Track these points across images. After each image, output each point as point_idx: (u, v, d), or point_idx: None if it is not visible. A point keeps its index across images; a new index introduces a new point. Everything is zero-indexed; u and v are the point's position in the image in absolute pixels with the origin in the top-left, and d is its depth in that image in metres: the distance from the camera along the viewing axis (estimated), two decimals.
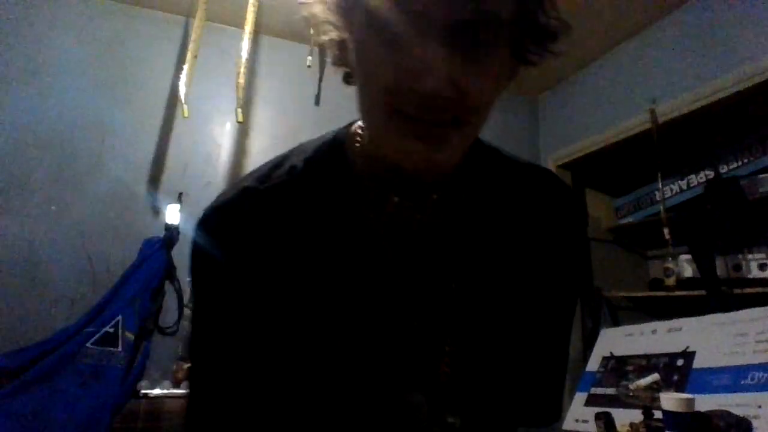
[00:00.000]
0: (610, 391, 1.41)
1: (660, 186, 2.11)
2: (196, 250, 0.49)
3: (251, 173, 0.51)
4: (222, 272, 0.47)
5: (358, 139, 0.50)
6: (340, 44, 0.46)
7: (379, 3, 0.37)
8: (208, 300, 0.48)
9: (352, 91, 0.52)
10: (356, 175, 0.49)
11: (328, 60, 0.49)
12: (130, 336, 1.69)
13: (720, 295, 1.83)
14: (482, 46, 0.38)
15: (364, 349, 0.47)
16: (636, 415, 1.17)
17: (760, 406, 1.03)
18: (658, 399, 1.06)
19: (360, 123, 0.51)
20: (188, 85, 1.81)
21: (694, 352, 1.29)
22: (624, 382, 1.39)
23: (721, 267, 1.91)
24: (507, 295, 0.51)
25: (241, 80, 1.89)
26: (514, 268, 0.51)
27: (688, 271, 2.13)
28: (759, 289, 1.77)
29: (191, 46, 1.83)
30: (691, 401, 0.97)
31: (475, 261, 0.50)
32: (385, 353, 0.47)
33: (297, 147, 0.54)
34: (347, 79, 0.49)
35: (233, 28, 2.12)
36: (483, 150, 0.54)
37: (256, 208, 0.47)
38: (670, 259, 2.14)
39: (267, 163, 0.52)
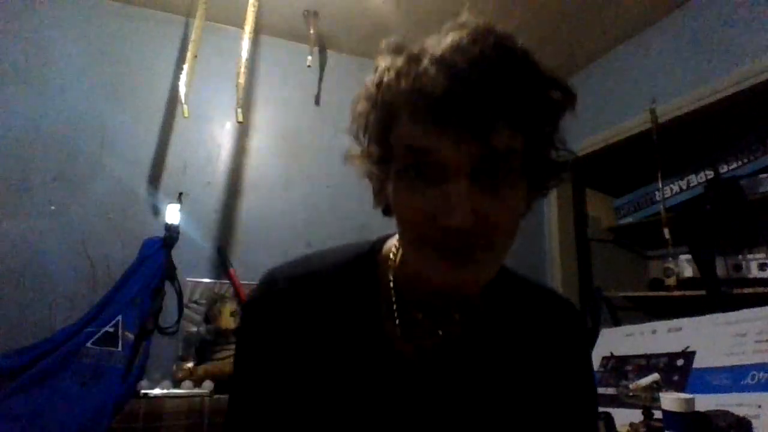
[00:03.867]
0: (610, 391, 1.41)
1: (660, 186, 2.11)
2: (240, 335, 0.57)
3: (290, 267, 0.57)
4: (258, 363, 0.54)
5: (392, 256, 0.56)
6: (380, 185, 0.53)
7: (409, 159, 0.44)
8: (244, 380, 0.55)
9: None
10: (384, 290, 0.55)
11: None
12: (130, 336, 1.69)
13: (720, 295, 1.83)
14: (500, 180, 0.44)
15: None
16: (636, 415, 1.17)
17: (760, 406, 1.03)
18: (658, 399, 1.07)
19: (395, 241, 0.57)
20: (188, 85, 1.80)
21: (694, 352, 1.29)
22: (624, 382, 1.39)
23: (721, 267, 1.91)
24: (518, 416, 0.55)
25: (241, 80, 1.89)
26: (528, 390, 0.56)
27: (688, 271, 2.13)
28: (759, 289, 1.77)
29: (191, 46, 1.83)
30: (691, 401, 0.97)
31: (491, 381, 0.54)
32: None
33: (335, 250, 0.60)
34: (386, 212, 0.54)
35: (233, 28, 2.12)
36: (509, 277, 0.60)
37: (290, 308, 0.54)
38: (670, 259, 2.15)
39: (303, 262, 0.58)
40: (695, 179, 2.19)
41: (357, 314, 0.54)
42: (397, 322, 0.53)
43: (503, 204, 0.44)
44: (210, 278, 1.97)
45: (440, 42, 0.44)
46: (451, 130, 0.41)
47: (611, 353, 1.56)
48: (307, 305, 0.53)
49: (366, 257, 0.58)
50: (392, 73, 0.45)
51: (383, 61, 0.48)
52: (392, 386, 0.52)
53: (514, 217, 0.46)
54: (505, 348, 0.56)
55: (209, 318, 1.89)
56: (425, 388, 0.52)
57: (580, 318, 0.64)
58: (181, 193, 1.98)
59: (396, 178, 0.46)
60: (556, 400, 0.57)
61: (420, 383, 0.52)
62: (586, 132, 2.42)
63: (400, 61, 0.45)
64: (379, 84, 0.47)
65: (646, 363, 1.42)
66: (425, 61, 0.43)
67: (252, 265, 1.98)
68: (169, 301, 1.87)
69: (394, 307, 0.54)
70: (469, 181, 0.42)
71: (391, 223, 0.51)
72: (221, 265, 1.98)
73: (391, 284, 0.55)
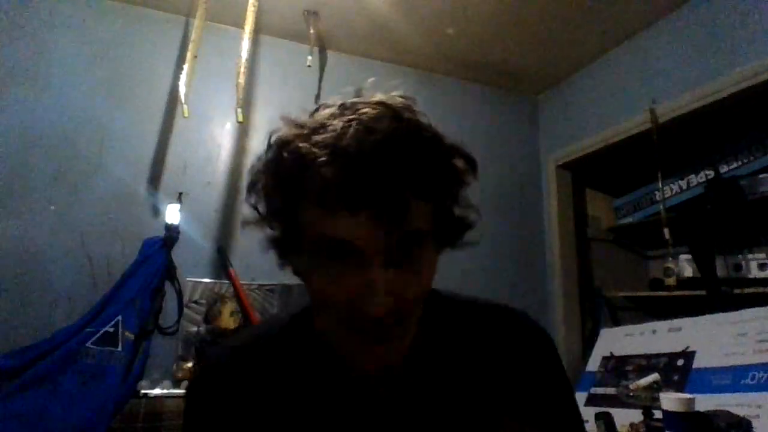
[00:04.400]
0: (610, 391, 1.41)
1: (660, 186, 2.11)
2: (188, 416, 0.55)
3: (223, 345, 0.59)
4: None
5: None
6: (286, 255, 0.52)
7: (322, 246, 0.44)
8: None
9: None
10: (322, 349, 0.53)
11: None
12: (130, 336, 1.69)
13: (720, 295, 1.83)
14: (414, 256, 0.45)
15: None
16: (636, 415, 1.17)
17: (760, 406, 1.03)
18: (658, 399, 1.07)
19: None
20: (188, 85, 1.80)
21: (694, 352, 1.29)
22: (624, 382, 1.39)
23: (721, 267, 1.91)
24: None
25: (241, 80, 1.89)
26: (490, 412, 0.53)
27: (688, 271, 2.13)
28: (759, 289, 1.77)
29: (191, 46, 1.83)
30: (691, 401, 0.97)
31: (444, 409, 0.53)
32: None
33: (268, 321, 0.62)
34: (298, 274, 0.53)
35: (233, 28, 2.12)
36: (444, 304, 0.58)
37: (232, 381, 0.53)
38: (670, 259, 2.14)
39: (235, 337, 0.60)
40: (695, 179, 2.19)
41: (306, 369, 0.53)
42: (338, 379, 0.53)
43: (418, 279, 0.45)
44: (210, 278, 1.97)
45: (341, 126, 0.43)
46: (366, 219, 0.41)
47: (611, 353, 1.56)
48: (247, 374, 0.53)
49: (301, 316, 0.57)
50: (293, 158, 0.44)
51: (282, 141, 0.47)
52: (356, 427, 0.52)
53: (425, 285, 0.47)
54: (450, 370, 0.55)
55: (209, 318, 1.90)
56: (386, 422, 0.52)
57: (532, 329, 0.60)
58: (181, 193, 1.98)
59: (309, 258, 0.46)
60: (520, 414, 0.55)
61: (380, 419, 0.52)
62: (586, 132, 2.42)
63: (301, 147, 0.44)
64: (279, 166, 0.47)
65: (646, 363, 1.42)
66: (327, 150, 0.42)
67: (252, 265, 1.98)
68: (169, 301, 1.87)
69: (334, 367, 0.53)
70: (384, 264, 0.43)
71: None
72: (221, 265, 1.98)
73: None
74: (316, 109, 0.51)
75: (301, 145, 0.44)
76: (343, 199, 0.41)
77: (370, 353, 0.46)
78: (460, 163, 0.49)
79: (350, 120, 0.44)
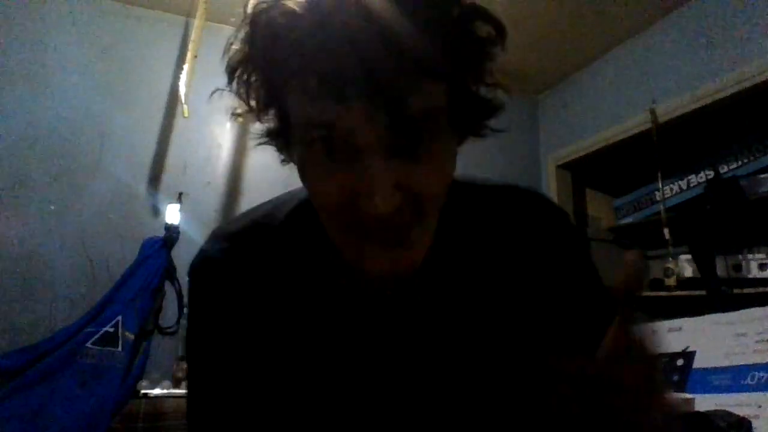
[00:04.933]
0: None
1: (660, 186, 2.11)
2: (191, 299, 0.51)
3: (235, 223, 0.53)
4: (215, 324, 0.49)
5: None
6: (283, 146, 0.46)
7: (311, 136, 0.37)
8: (203, 342, 0.50)
9: None
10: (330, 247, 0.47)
11: None
12: (130, 336, 1.69)
13: (720, 295, 1.82)
14: (423, 145, 0.37)
15: (349, 412, 0.47)
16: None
17: (760, 406, 1.03)
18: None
19: None
20: (188, 85, 1.80)
21: (694, 352, 1.29)
22: None
23: (721, 267, 1.91)
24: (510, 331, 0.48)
25: None
26: (513, 302, 0.49)
27: (688, 271, 2.13)
28: (759, 289, 1.77)
29: (191, 46, 1.83)
30: (691, 401, 0.97)
31: (469, 304, 0.48)
32: (370, 417, 0.47)
33: (282, 198, 0.54)
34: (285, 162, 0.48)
35: (233, 28, 2.11)
36: (459, 190, 0.50)
37: (239, 265, 0.49)
38: (670, 259, 2.14)
39: (243, 215, 0.53)
40: (695, 179, 2.19)
41: (310, 266, 0.48)
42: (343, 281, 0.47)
43: (429, 170, 0.38)
44: None
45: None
46: (357, 103, 0.34)
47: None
48: (254, 259, 0.48)
49: (306, 207, 0.49)
50: (268, 32, 0.37)
51: (256, 12, 0.39)
52: (364, 334, 0.47)
53: (443, 179, 0.40)
54: (473, 266, 0.49)
55: None
56: (399, 330, 0.48)
57: (553, 209, 0.54)
58: (181, 193, 1.98)
59: (300, 152, 0.40)
60: (548, 303, 0.49)
61: (391, 326, 0.48)
62: (586, 132, 2.42)
63: (275, 17, 0.36)
64: (252, 45, 0.40)
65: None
66: (307, 18, 0.34)
67: None
68: (169, 301, 1.87)
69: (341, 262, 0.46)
70: (386, 154, 0.35)
71: None
72: None
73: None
74: None
75: (277, 14, 0.36)
76: (330, 83, 0.34)
77: (379, 258, 0.39)
78: (483, 28, 0.38)
79: None
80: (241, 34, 0.42)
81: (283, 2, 0.35)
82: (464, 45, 0.37)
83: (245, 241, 0.50)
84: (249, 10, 0.40)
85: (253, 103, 0.43)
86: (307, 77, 0.35)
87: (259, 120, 0.45)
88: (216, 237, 0.51)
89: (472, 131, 0.45)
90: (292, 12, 0.34)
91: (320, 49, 0.33)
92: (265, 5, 0.37)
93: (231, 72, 0.43)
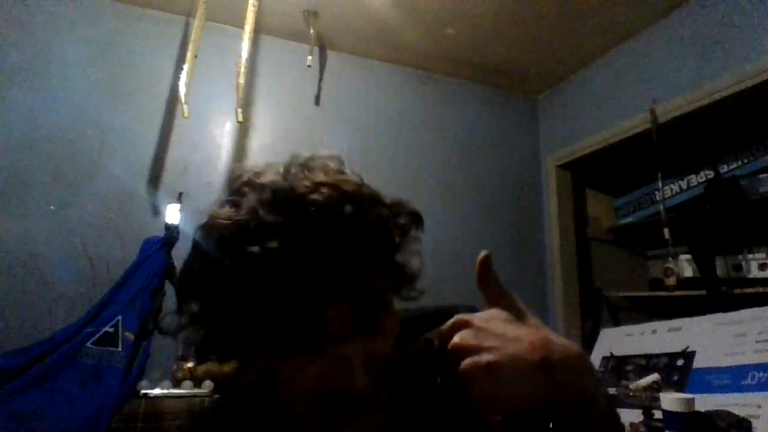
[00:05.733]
0: (611, 391, 1.41)
1: (660, 186, 2.11)
2: None
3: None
4: None
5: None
6: (248, 359, 0.49)
7: (290, 332, 0.42)
8: None
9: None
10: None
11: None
12: (130, 336, 1.69)
13: (720, 295, 1.83)
14: (378, 317, 0.44)
15: None
16: (636, 415, 1.17)
17: (760, 406, 1.03)
18: (658, 399, 1.07)
19: None
20: (188, 85, 1.80)
21: (694, 352, 1.29)
22: (624, 382, 1.39)
23: (721, 267, 1.91)
24: None
25: (241, 80, 1.89)
26: None
27: (688, 271, 2.13)
28: (759, 289, 1.77)
29: (191, 46, 1.83)
30: (691, 401, 0.97)
31: None
32: None
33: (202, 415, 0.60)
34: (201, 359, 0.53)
35: (233, 28, 2.12)
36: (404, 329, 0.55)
37: None
38: (670, 259, 2.14)
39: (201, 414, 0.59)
40: (695, 179, 2.19)
41: None
42: None
43: (387, 338, 0.45)
44: None
45: (291, 220, 0.41)
46: (335, 299, 0.41)
47: (611, 353, 1.55)
48: None
49: (254, 390, 0.55)
50: (240, 244, 0.41)
51: (220, 234, 0.43)
52: None
53: (394, 337, 0.47)
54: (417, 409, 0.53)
55: None
56: None
57: None
58: (181, 193, 1.97)
59: (270, 347, 0.44)
60: None
61: None
62: (586, 132, 2.42)
63: (246, 232, 0.42)
64: (224, 249, 0.43)
65: (646, 363, 1.42)
66: (277, 237, 0.40)
67: None
68: (169, 301, 1.87)
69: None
70: (356, 332, 0.42)
71: None
72: None
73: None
74: (236, 191, 0.48)
75: (246, 237, 0.41)
76: (307, 287, 0.40)
77: (353, 427, 0.44)
78: (405, 220, 0.50)
79: (299, 212, 0.41)
80: (199, 253, 0.46)
81: (243, 226, 0.42)
82: (396, 238, 0.48)
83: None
84: (206, 232, 0.46)
85: (202, 310, 0.47)
86: (286, 282, 0.40)
87: (207, 326, 0.48)
88: None
89: (405, 296, 0.52)
90: (259, 235, 0.41)
91: (301, 263, 0.40)
92: (226, 227, 0.43)
93: (188, 286, 0.49)
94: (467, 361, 0.38)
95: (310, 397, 0.44)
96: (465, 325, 0.41)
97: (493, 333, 0.39)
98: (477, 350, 0.38)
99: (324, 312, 0.41)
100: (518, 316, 0.42)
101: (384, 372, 0.45)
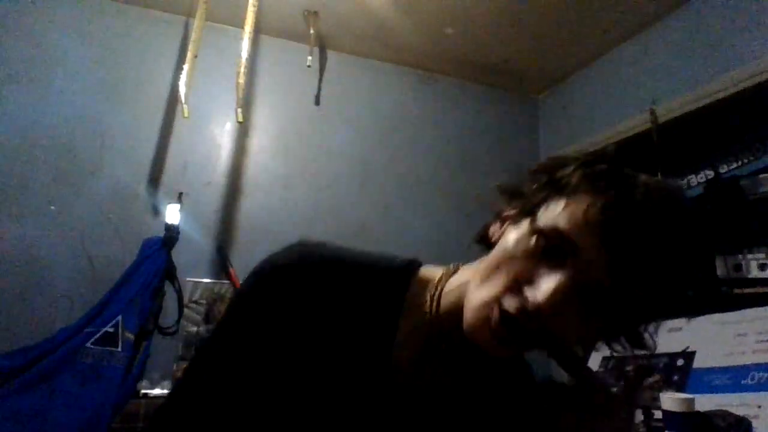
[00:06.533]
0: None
1: None
2: (248, 294, 0.54)
3: (323, 248, 0.55)
4: (260, 326, 0.50)
5: (435, 289, 0.54)
6: (500, 225, 0.53)
7: (553, 241, 0.44)
8: (235, 337, 0.51)
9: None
10: (412, 313, 0.53)
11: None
12: (130, 336, 1.69)
13: (720, 295, 1.82)
14: (597, 315, 0.44)
15: None
16: (636, 415, 1.17)
17: (760, 406, 1.03)
18: (658, 399, 1.06)
19: (439, 273, 0.55)
20: (188, 85, 1.81)
21: (694, 352, 1.29)
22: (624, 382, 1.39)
23: (721, 267, 1.91)
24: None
25: (241, 80, 1.89)
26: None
27: None
28: (759, 289, 1.77)
29: (191, 46, 1.83)
30: (691, 401, 0.97)
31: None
32: None
33: (367, 254, 0.57)
34: (481, 241, 0.55)
35: (233, 28, 2.12)
36: None
37: (315, 288, 0.51)
38: None
39: (335, 250, 0.56)
40: (695, 179, 2.19)
41: (373, 327, 0.51)
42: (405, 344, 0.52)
43: (571, 331, 0.45)
44: (210, 278, 1.97)
45: (652, 200, 0.44)
46: (604, 262, 0.42)
47: (611, 353, 1.55)
48: (330, 293, 0.51)
49: (400, 273, 0.55)
50: (602, 199, 0.44)
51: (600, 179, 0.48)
52: (377, 410, 0.50)
53: (574, 342, 0.48)
54: (480, 394, 0.55)
55: (209, 318, 1.90)
56: (408, 421, 0.51)
57: None
58: (181, 193, 1.98)
59: (526, 234, 0.46)
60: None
61: (405, 415, 0.51)
62: (587, 132, 2.42)
63: (595, 183, 0.46)
64: (580, 187, 0.47)
65: (646, 363, 1.41)
66: (616, 199, 0.44)
67: (252, 265, 1.97)
68: (169, 301, 1.87)
69: (422, 338, 0.52)
70: (575, 291, 0.42)
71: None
72: (221, 265, 1.98)
73: (429, 313, 0.53)
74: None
75: (622, 192, 0.46)
76: (610, 240, 0.42)
77: (499, 339, 0.44)
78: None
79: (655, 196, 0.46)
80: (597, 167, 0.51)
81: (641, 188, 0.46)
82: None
83: (332, 270, 0.52)
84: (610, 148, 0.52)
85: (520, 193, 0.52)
86: (599, 221, 0.43)
87: (518, 195, 0.53)
88: (309, 250, 0.54)
89: (609, 339, 0.52)
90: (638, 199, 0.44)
91: (627, 224, 0.42)
92: (629, 181, 0.48)
93: (543, 165, 0.52)
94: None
95: (502, 282, 0.45)
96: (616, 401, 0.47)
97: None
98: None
99: (600, 261, 0.42)
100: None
101: (538, 338, 0.44)
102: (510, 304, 0.44)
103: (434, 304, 0.53)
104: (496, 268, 0.47)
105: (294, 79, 2.28)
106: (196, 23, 1.86)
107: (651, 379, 1.30)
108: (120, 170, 1.94)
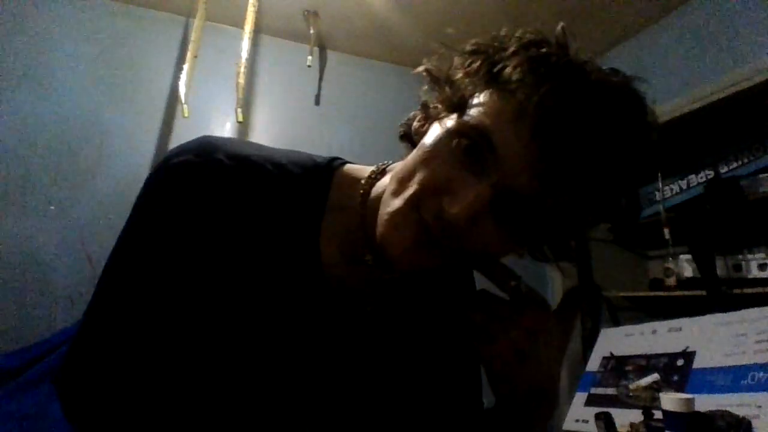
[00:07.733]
0: (610, 391, 1.41)
1: (660, 186, 2.11)
2: (157, 193, 0.48)
3: (234, 144, 0.49)
4: (172, 232, 0.45)
5: (361, 187, 0.50)
6: (425, 118, 0.49)
7: (475, 138, 0.40)
8: (152, 238, 0.46)
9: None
10: (333, 213, 0.49)
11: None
12: None
13: (720, 295, 1.83)
14: (513, 217, 0.40)
15: (269, 365, 0.47)
16: (636, 415, 1.17)
17: (760, 406, 1.03)
18: (658, 399, 1.06)
19: (366, 173, 0.51)
20: (188, 85, 1.81)
21: (694, 352, 1.29)
22: (624, 382, 1.39)
23: (721, 267, 1.91)
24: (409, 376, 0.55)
25: (241, 80, 1.89)
26: (424, 354, 0.56)
27: (688, 271, 2.13)
28: (759, 289, 1.77)
29: (191, 46, 1.83)
30: (691, 401, 0.97)
31: (396, 335, 0.54)
32: (286, 377, 0.48)
33: (285, 151, 0.52)
34: (404, 138, 0.52)
35: (233, 28, 2.12)
36: None
37: (227, 187, 0.45)
38: (670, 259, 2.14)
39: (247, 146, 0.50)
40: (695, 179, 2.19)
41: (295, 225, 0.47)
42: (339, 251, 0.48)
43: (491, 236, 0.41)
44: None
45: (598, 98, 0.40)
46: (529, 159, 0.37)
47: (611, 353, 1.55)
48: (244, 192, 0.45)
49: (322, 172, 0.50)
50: (537, 91, 0.38)
51: (513, 47, 0.42)
52: (307, 309, 0.47)
53: (480, 250, 0.42)
54: (413, 311, 0.55)
55: None
56: (338, 320, 0.49)
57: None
58: None
59: (446, 132, 0.42)
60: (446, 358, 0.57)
61: (335, 314, 0.49)
62: None
63: (534, 75, 0.40)
64: (500, 66, 0.41)
65: (646, 363, 1.42)
66: (554, 95, 0.38)
67: None
68: None
69: (348, 236, 0.48)
70: (499, 199, 0.39)
71: None
72: None
73: (356, 216, 0.48)
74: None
75: (534, 68, 0.40)
76: (535, 133, 0.37)
77: (414, 248, 0.41)
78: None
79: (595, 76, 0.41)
80: (515, 45, 0.44)
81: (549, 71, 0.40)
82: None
83: (246, 168, 0.46)
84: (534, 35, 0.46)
85: (458, 72, 0.46)
86: (524, 119, 0.37)
87: (447, 84, 0.48)
88: (216, 147, 0.47)
89: (533, 250, 0.50)
90: (552, 78, 0.39)
91: (555, 122, 0.37)
92: (552, 58, 0.42)
93: (479, 45, 0.46)
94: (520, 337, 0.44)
95: (417, 188, 0.41)
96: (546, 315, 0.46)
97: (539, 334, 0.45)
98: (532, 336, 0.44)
99: (526, 158, 0.37)
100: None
101: (457, 243, 0.40)
102: (425, 212, 0.40)
103: (360, 207, 0.48)
104: (413, 171, 0.42)
105: (294, 79, 2.28)
106: (196, 23, 1.86)
107: (650, 378, 1.30)
108: (120, 170, 1.93)
